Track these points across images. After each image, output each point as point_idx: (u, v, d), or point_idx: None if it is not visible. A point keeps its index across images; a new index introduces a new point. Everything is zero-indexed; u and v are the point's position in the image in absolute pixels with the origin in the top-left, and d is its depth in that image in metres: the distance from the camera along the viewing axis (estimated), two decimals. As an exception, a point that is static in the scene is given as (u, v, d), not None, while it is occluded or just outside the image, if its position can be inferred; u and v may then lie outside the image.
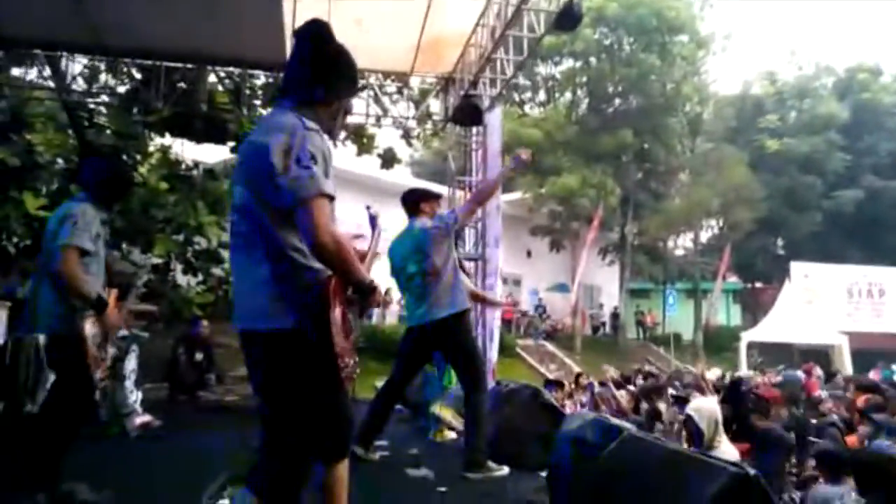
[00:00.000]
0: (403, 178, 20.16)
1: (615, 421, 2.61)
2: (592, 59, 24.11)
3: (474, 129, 7.96)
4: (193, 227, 11.12)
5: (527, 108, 27.05)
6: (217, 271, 12.08)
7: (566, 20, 5.51)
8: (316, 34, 2.05)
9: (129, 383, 5.44)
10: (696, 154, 26.79)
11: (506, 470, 3.89)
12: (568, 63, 25.12)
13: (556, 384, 8.15)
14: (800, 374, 12.75)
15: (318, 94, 2.00)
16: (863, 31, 65.86)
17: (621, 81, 23.88)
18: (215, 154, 13.17)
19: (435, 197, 4.37)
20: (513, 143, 18.48)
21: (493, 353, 8.03)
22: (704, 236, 29.21)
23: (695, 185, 25.25)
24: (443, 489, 3.59)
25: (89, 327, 3.02)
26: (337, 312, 1.85)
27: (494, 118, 8.05)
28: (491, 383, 5.12)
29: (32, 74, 10.45)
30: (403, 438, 5.11)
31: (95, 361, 3.04)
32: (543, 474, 3.61)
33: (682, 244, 29.57)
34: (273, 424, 1.98)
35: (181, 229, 11.11)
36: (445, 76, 8.09)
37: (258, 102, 9.19)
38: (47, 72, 9.18)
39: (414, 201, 4.20)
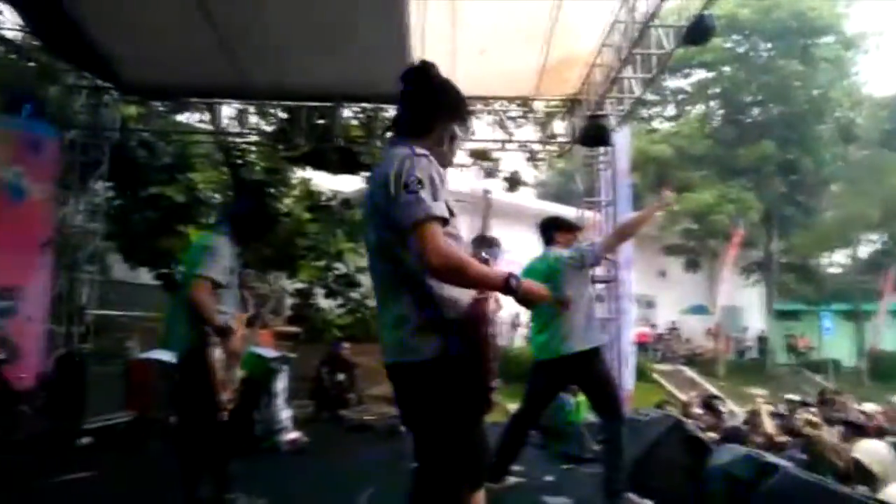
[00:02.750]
0: (528, 200, 20.11)
1: (770, 457, 2.43)
2: (726, 69, 22.87)
3: (601, 149, 7.82)
4: (333, 253, 11.85)
5: (655, 123, 26.11)
6: (355, 295, 12.74)
7: (697, 34, 5.30)
8: (411, 74, 2.17)
9: (280, 401, 5.85)
10: (848, 163, 24.41)
11: (648, 503, 3.74)
12: (699, 74, 24.00)
13: (714, 407, 7.70)
14: None
15: (419, 128, 2.08)
16: None
17: (759, 90, 22.42)
18: (350, 184, 13.97)
19: (573, 228, 4.35)
20: (641, 160, 17.93)
21: (628, 379, 7.76)
22: (863, 251, 26.40)
23: (849, 196, 22.97)
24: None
25: (218, 352, 3.27)
26: (486, 341, 1.86)
27: (622, 137, 7.87)
28: (628, 411, 4.96)
29: (193, 119, 11.76)
30: (537, 464, 5.06)
31: (222, 384, 3.28)
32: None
33: (836, 261, 26.93)
34: (424, 455, 1.98)
35: (322, 256, 11.86)
36: (570, 98, 8.04)
37: (388, 134, 9.63)
38: (205, 116, 10.26)
39: (549, 230, 4.20)
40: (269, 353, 6.04)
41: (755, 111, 23.52)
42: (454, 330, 1.88)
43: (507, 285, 1.89)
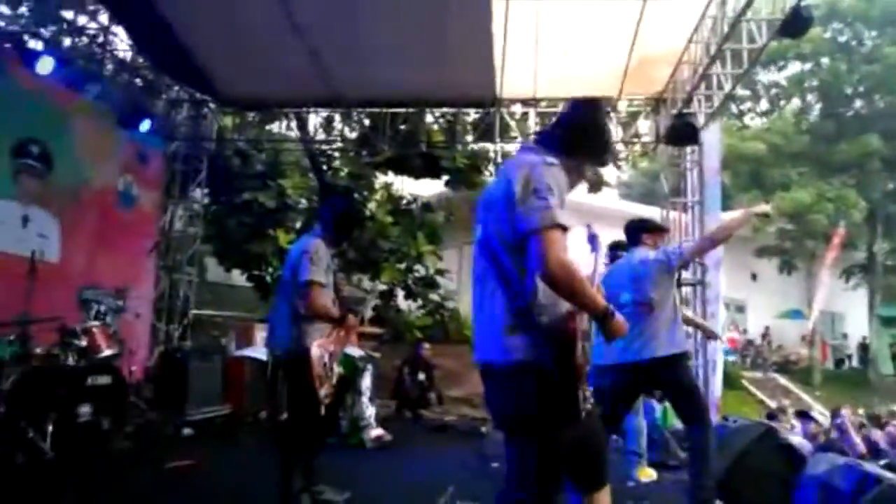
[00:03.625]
0: (611, 201, 19.71)
1: (870, 467, 2.31)
2: (824, 60, 21.55)
3: (689, 148, 7.60)
4: (414, 256, 12.08)
5: (747, 119, 24.94)
6: (434, 297, 12.92)
7: (793, 26, 5.06)
8: (580, 107, 2.23)
9: (365, 399, 6.05)
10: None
11: (737, 512, 3.62)
12: (794, 67, 22.72)
13: (809, 417, 7.33)
14: None
15: (561, 148, 2.12)
16: None
17: (862, 81, 20.98)
18: (430, 188, 14.19)
19: (660, 230, 4.29)
20: (732, 158, 17.16)
21: (716, 387, 7.49)
22: None
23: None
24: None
25: (315, 349, 3.44)
26: (577, 347, 1.88)
27: (711, 135, 7.62)
28: (715, 419, 4.80)
29: (283, 128, 12.32)
30: (619, 469, 4.98)
31: (320, 379, 3.44)
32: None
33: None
34: (514, 457, 2.01)
35: (403, 259, 12.12)
36: (656, 97, 7.86)
37: (469, 138, 9.73)
38: (294, 125, 10.74)
39: (636, 231, 4.14)
40: (356, 352, 6.25)
41: (857, 103, 22.02)
42: (548, 334, 1.92)
43: (605, 314, 1.93)
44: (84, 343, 4.80)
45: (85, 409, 4.54)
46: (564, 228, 1.89)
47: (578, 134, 2.15)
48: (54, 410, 4.31)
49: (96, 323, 5.05)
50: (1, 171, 6.22)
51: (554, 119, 2.26)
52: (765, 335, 21.97)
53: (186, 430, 5.87)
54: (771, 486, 3.78)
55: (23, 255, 5.75)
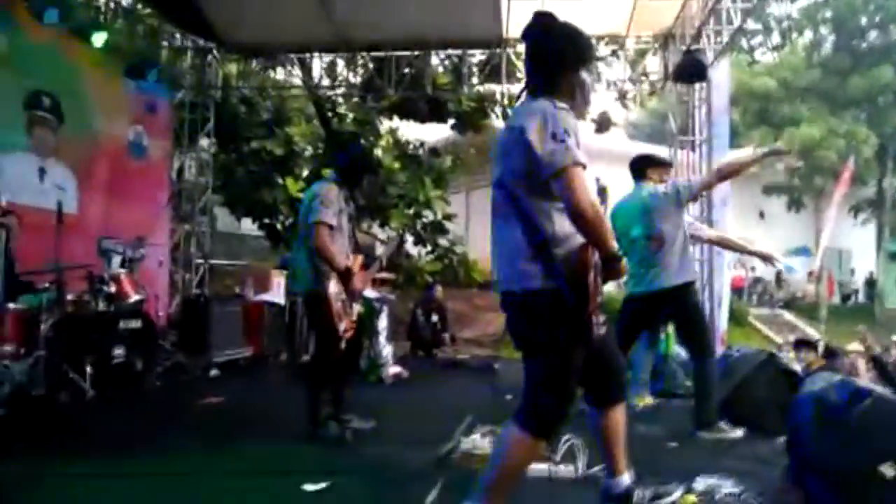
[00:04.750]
0: (619, 141, 19.53)
1: (864, 383, 2.47)
2: (839, -10, 20.97)
3: (697, 85, 7.55)
4: (422, 201, 12.16)
5: (757, 54, 24.43)
6: (443, 242, 13.07)
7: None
8: (533, 30, 2.27)
9: (382, 338, 6.28)
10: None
11: (740, 432, 3.83)
12: (808, -2, 22.14)
13: (807, 345, 7.53)
14: None
15: (550, 87, 2.19)
16: None
17: (877, 11, 20.43)
18: (437, 133, 14.12)
19: (665, 165, 4.36)
20: (741, 94, 16.94)
21: (720, 322, 7.67)
22: None
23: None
24: (674, 444, 3.68)
25: (332, 286, 3.61)
26: (591, 277, 2.02)
27: (720, 71, 7.54)
28: (719, 351, 4.98)
29: (286, 75, 12.22)
30: (628, 396, 5.19)
31: (339, 315, 3.62)
32: (781, 440, 3.52)
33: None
34: (532, 372, 2.19)
35: (411, 204, 12.21)
36: (664, 33, 7.77)
37: (475, 80, 9.65)
38: (297, 71, 10.66)
39: (641, 166, 4.21)
40: (372, 294, 6.44)
41: (872, 35, 21.51)
42: (563, 264, 2.07)
43: (614, 256, 2.08)
44: (112, 289, 5.00)
45: (119, 352, 4.79)
46: (584, 166, 2.03)
47: (553, 60, 2.21)
48: (91, 353, 4.55)
49: (123, 270, 5.23)
50: (15, 124, 6.30)
51: (526, 59, 2.29)
52: (778, 273, 22.06)
53: (213, 371, 6.13)
54: (772, 410, 3.96)
55: (43, 207, 5.91)
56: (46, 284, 4.68)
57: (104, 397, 4.54)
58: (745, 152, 4.39)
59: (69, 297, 4.92)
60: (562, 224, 2.10)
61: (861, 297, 22.91)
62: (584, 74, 2.25)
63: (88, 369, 4.51)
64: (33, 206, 6.04)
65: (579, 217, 2.00)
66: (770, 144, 4.13)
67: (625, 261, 2.17)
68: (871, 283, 22.29)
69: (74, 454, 3.29)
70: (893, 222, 21.90)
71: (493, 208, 2.26)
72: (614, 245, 2.10)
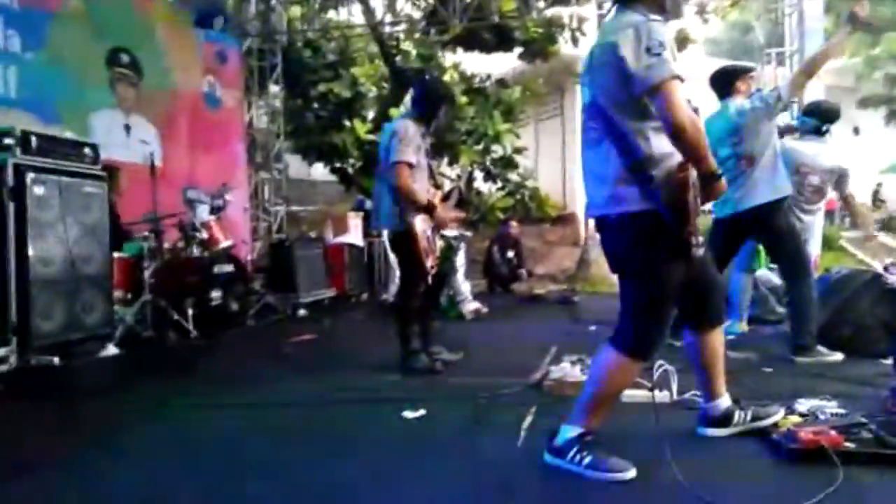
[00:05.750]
0: (698, 58, 18.39)
1: None
2: None
3: (787, -9, 6.97)
4: (491, 136, 11.94)
5: (850, -49, 22.15)
6: (513, 177, 12.87)
7: None
8: None
9: (460, 275, 6.34)
10: None
11: (839, 356, 3.68)
12: None
13: None
14: None
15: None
16: None
17: None
18: (503, 63, 13.70)
19: (748, 71, 4.08)
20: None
21: (813, 246, 7.28)
22: None
23: None
24: (769, 369, 3.58)
25: (419, 223, 3.62)
26: (690, 196, 1.93)
27: (813, -27, 6.94)
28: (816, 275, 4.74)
29: (345, 15, 12.07)
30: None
31: (425, 251, 3.64)
32: (887, 361, 3.36)
33: None
34: (629, 294, 2.15)
35: (480, 140, 12.02)
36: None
37: (542, 5, 9.25)
38: (357, 8, 10.49)
39: (727, 80, 3.94)
40: (450, 232, 6.47)
41: None
42: (662, 183, 1.99)
43: (713, 174, 1.99)
44: (204, 236, 5.24)
45: (216, 294, 5.06)
46: (682, 80, 1.94)
47: None
48: (191, 296, 4.83)
49: (212, 217, 5.46)
50: (100, 81, 6.56)
51: None
52: (876, 192, 20.64)
53: (301, 311, 6.40)
54: (876, 332, 3.79)
55: (132, 161, 6.20)
56: (145, 234, 4.97)
57: (206, 337, 4.84)
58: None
59: (165, 245, 5.19)
60: (658, 143, 2.02)
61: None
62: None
63: (190, 311, 4.81)
64: (123, 161, 6.35)
65: (680, 133, 1.91)
66: (844, 17, 3.79)
67: (723, 179, 2.07)
68: (978, 199, 20.55)
69: (185, 389, 3.54)
70: None
71: (584, 132, 2.19)
72: (713, 162, 2.01)
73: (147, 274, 4.75)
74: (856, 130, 21.35)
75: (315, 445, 2.54)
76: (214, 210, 5.96)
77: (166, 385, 3.68)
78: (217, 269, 5.14)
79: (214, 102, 8.23)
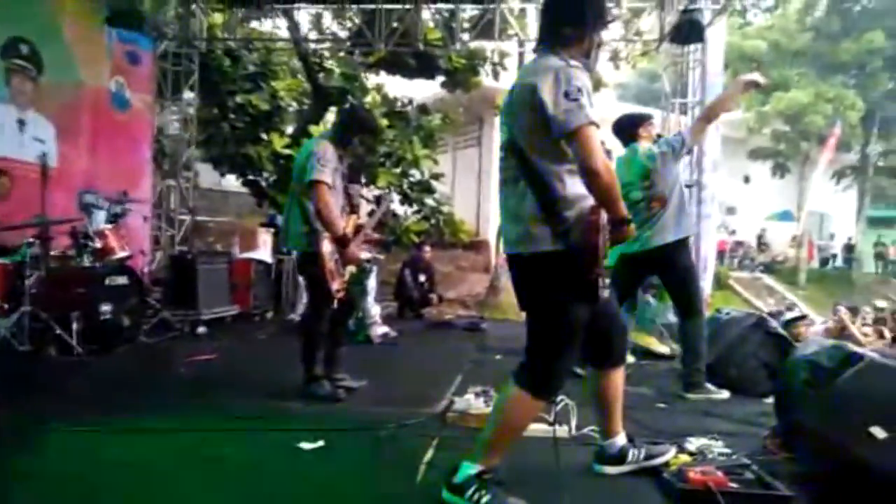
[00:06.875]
0: (609, 102, 19.35)
1: (857, 348, 2.50)
2: (835, -49, 20.68)
3: (692, 46, 7.44)
4: (410, 160, 12.00)
5: (749, 15, 24.15)
6: (429, 201, 12.96)
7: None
8: None
9: (371, 298, 6.25)
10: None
11: (726, 394, 3.90)
12: (803, -42, 21.80)
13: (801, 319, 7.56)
14: None
15: (569, 36, 2.15)
16: None
17: (872, -27, 20.24)
18: (425, 89, 13.86)
19: (649, 119, 4.31)
20: (733, 57, 16.76)
21: (706, 285, 7.75)
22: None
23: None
24: (662, 405, 3.74)
25: (326, 245, 3.55)
26: (600, 239, 2.00)
27: (716, 32, 7.44)
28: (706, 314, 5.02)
29: (268, 26, 11.84)
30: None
31: (332, 274, 3.57)
32: (768, 401, 3.58)
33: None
34: (536, 332, 2.19)
35: (399, 163, 12.05)
36: (661, -9, 7.62)
37: (466, 37, 9.44)
38: (282, 23, 10.31)
39: (632, 127, 4.16)
40: (362, 254, 6.38)
41: (865, -1, 21.37)
42: (573, 225, 2.05)
43: (622, 219, 2.06)
44: (98, 245, 4.90)
45: (105, 308, 4.71)
46: (598, 126, 2.00)
47: (578, 14, 2.16)
48: (77, 309, 4.48)
49: (108, 225, 5.13)
50: (-8, 73, 6.08)
51: (544, 11, 2.27)
52: (760, 237, 22.29)
53: (200, 329, 6.09)
54: (760, 373, 4.04)
55: (23, 160, 5.75)
56: (30, 239, 4.58)
57: (92, 353, 4.50)
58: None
59: (53, 252, 4.82)
60: (573, 185, 2.08)
61: (839, 261, 23.28)
62: (601, 34, 2.22)
63: (75, 325, 4.46)
64: (14, 159, 5.88)
65: (595, 178, 1.97)
66: (744, 75, 4.07)
67: (632, 225, 2.15)
68: (849, 248, 22.66)
69: (61, 410, 3.24)
70: (874, 188, 22.13)
71: (502, 170, 2.23)
72: (623, 207, 2.08)
73: (28, 283, 4.37)
74: (746, 179, 23.11)
75: (195, 479, 2.38)
76: (113, 217, 5.62)
77: (35, 405, 3.35)
78: (109, 280, 4.80)
79: (122, 104, 7.79)
